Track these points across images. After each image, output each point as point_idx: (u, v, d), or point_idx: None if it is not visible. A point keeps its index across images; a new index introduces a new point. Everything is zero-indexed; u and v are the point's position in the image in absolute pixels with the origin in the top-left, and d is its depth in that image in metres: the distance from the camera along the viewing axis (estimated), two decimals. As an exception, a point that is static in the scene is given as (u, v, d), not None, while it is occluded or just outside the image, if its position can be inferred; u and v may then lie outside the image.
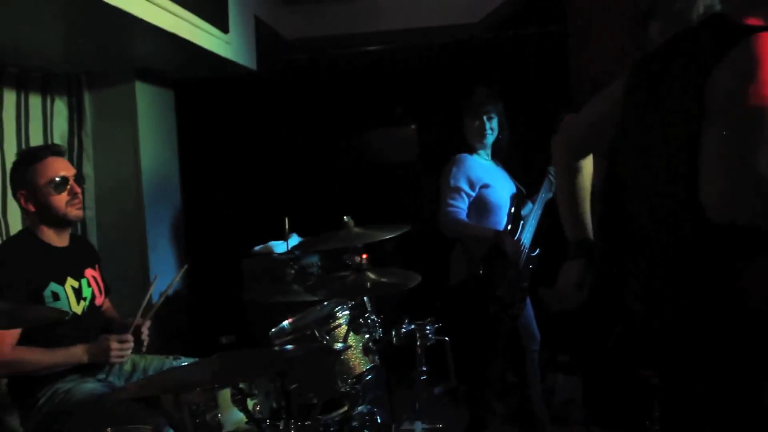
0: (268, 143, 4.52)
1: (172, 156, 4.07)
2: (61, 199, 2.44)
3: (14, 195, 2.49)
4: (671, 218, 1.46)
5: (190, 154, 4.23)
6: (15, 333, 2.30)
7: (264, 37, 4.16)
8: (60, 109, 3.61)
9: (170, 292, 2.66)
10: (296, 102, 4.58)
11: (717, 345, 1.42)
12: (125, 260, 3.60)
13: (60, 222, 2.50)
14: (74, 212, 2.48)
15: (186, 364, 2.30)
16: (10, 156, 3.06)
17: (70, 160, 3.64)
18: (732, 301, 1.38)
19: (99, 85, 3.65)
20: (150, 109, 3.79)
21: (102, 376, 2.52)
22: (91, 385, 2.43)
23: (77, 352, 2.39)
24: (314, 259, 3.83)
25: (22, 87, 3.30)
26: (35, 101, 3.42)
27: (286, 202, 4.24)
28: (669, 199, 1.46)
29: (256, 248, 3.80)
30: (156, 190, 3.83)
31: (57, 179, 2.44)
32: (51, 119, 3.54)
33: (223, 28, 3.46)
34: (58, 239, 2.53)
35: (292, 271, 2.90)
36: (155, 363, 2.68)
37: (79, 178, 2.58)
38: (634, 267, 1.60)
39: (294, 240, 3.83)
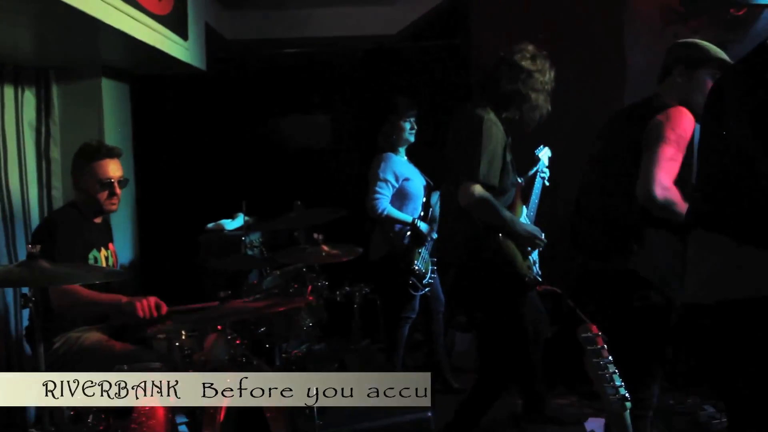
0: (208, 133, 5.09)
1: (127, 143, 4.55)
2: (102, 195, 3.02)
3: (71, 175, 3.07)
4: (620, 201, 2.51)
5: (144, 142, 4.73)
6: None
7: (210, 40, 4.71)
8: (29, 99, 4.03)
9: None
10: (235, 94, 5.18)
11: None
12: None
13: (96, 211, 3.07)
14: (109, 207, 3.06)
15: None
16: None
17: (38, 144, 4.09)
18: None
19: (67, 79, 4.09)
20: (112, 101, 4.26)
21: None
22: (97, 334, 2.99)
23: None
24: (256, 237, 4.45)
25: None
26: (9, 91, 3.83)
27: (228, 184, 4.84)
28: (620, 190, 2.49)
29: (209, 225, 4.38)
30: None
31: (104, 181, 3.00)
32: (21, 108, 3.97)
33: (184, 36, 4.02)
34: (94, 216, 3.09)
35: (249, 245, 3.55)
36: None
37: (122, 181, 3.10)
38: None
39: (240, 219, 4.45)
